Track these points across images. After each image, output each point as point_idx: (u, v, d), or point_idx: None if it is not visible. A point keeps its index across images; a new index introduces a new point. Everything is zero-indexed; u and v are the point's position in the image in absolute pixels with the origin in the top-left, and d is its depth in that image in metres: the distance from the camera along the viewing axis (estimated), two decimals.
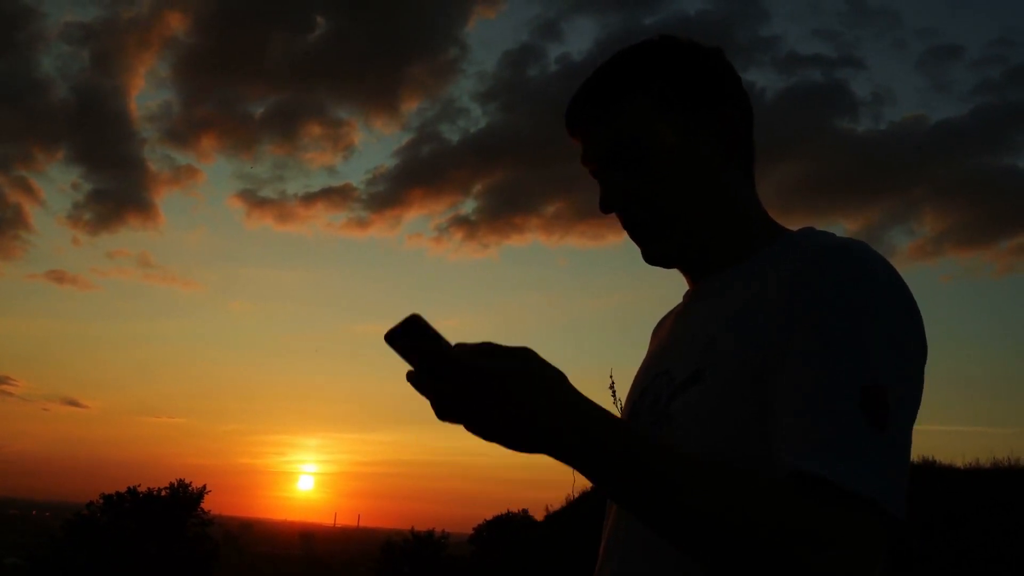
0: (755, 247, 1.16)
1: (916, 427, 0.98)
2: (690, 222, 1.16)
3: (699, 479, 0.90)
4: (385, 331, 0.87)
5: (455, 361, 0.88)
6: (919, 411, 0.99)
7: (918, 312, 1.01)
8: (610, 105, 1.17)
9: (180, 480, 35.38)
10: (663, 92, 1.16)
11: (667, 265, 1.21)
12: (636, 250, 1.23)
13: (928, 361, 1.01)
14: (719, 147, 1.16)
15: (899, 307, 0.99)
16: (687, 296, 1.27)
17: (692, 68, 1.18)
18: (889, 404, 0.92)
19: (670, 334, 1.25)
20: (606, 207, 1.19)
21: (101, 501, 34.21)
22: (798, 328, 0.97)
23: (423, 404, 0.93)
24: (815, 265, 1.01)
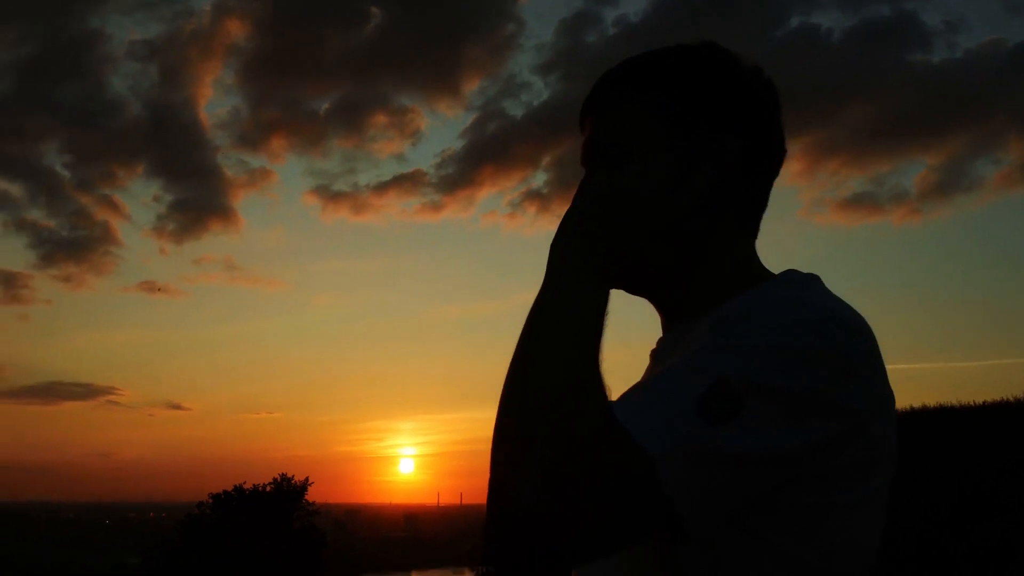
0: (728, 295, 1.02)
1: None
2: (653, 258, 1.03)
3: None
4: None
5: None
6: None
7: (852, 352, 0.87)
8: (613, 103, 1.07)
9: (283, 474, 36.40)
10: (670, 101, 1.04)
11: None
12: None
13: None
14: (710, 179, 1.00)
15: (827, 330, 0.86)
16: (660, 342, 1.17)
17: (710, 84, 1.04)
18: (737, 402, 0.81)
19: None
20: None
21: (210, 500, 35.38)
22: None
23: None
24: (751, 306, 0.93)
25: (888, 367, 0.93)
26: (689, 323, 1.02)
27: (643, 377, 1.07)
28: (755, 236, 1.08)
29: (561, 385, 0.82)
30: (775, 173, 1.08)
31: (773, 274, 1.05)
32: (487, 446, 0.86)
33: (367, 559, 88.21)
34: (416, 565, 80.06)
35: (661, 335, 1.13)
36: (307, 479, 36.78)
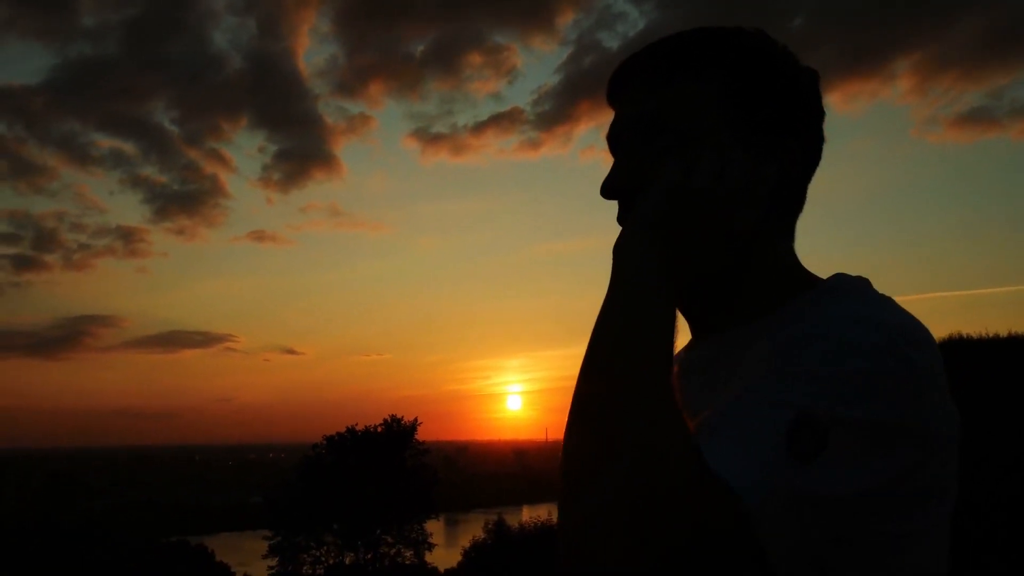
0: (775, 302, 0.95)
1: None
2: (712, 264, 0.92)
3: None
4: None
5: None
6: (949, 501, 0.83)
7: (925, 370, 0.81)
8: (667, 79, 0.96)
9: (393, 415, 37.14)
10: (734, 91, 0.95)
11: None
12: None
13: None
14: (772, 182, 0.93)
15: (900, 352, 0.80)
16: (689, 352, 1.05)
17: (778, 80, 0.96)
18: (823, 436, 0.77)
19: (691, 397, 0.98)
20: (607, 190, 0.98)
21: (324, 442, 36.40)
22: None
23: None
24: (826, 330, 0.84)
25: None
26: (734, 334, 0.96)
27: (682, 392, 0.97)
28: (793, 238, 1.01)
29: (645, 428, 0.76)
30: (815, 169, 1.01)
31: (819, 278, 0.98)
32: None
33: (478, 495, 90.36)
34: (527, 500, 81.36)
35: (689, 343, 1.06)
36: (416, 419, 37.43)
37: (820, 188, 1.04)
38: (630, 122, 0.98)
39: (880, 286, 0.95)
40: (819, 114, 0.99)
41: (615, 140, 1.00)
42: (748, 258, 0.95)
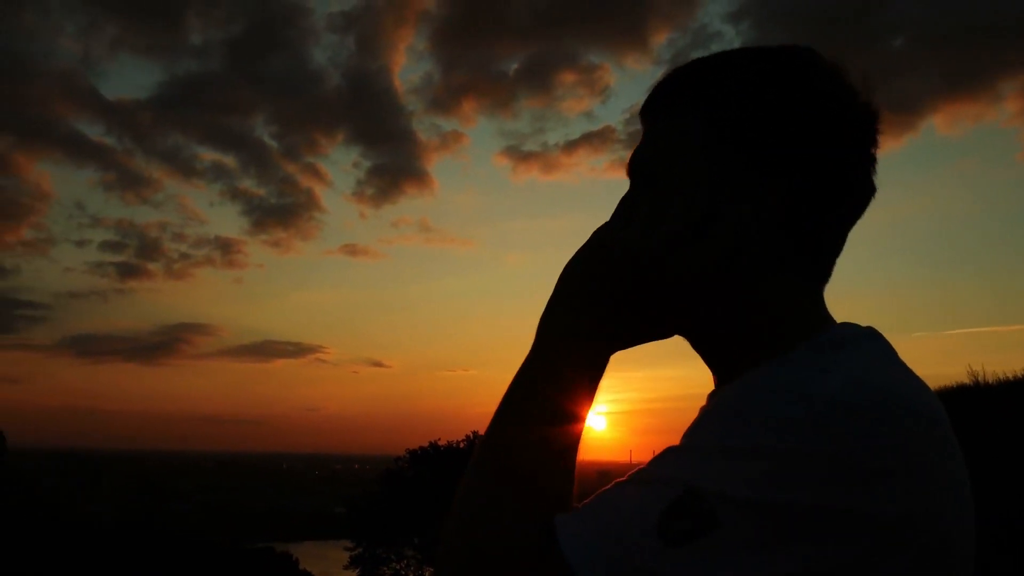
0: (770, 355, 0.82)
1: None
2: (683, 315, 0.88)
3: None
4: None
5: None
6: None
7: (877, 451, 0.68)
8: (662, 112, 0.91)
9: (475, 432, 37.12)
10: (715, 122, 0.85)
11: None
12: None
13: None
14: (749, 227, 0.82)
15: (836, 431, 0.68)
16: (709, 398, 0.95)
17: (774, 105, 0.84)
18: (708, 519, 0.67)
19: None
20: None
21: (407, 455, 36.69)
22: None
23: None
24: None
25: None
26: (721, 389, 0.88)
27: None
28: (821, 282, 0.89)
29: (508, 493, 0.77)
30: (857, 215, 0.89)
31: (827, 329, 0.84)
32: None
33: None
34: None
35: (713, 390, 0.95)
36: None
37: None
38: (630, 158, 0.94)
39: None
40: (853, 148, 0.86)
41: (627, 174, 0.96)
42: (745, 306, 0.84)
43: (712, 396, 0.90)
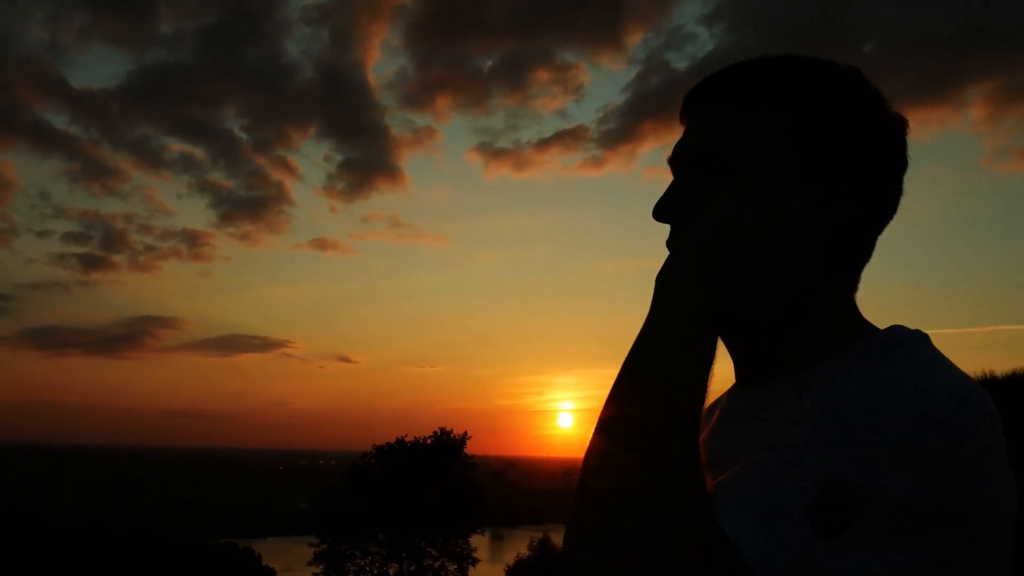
0: (828, 352, 0.88)
1: None
2: (760, 308, 0.87)
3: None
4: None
5: None
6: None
7: (980, 443, 0.74)
8: (736, 105, 0.91)
9: (443, 428, 37.12)
10: (802, 128, 0.88)
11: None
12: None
13: None
14: (831, 228, 0.87)
15: (951, 425, 0.73)
16: (732, 395, 1.00)
17: (853, 124, 0.89)
18: (851, 511, 0.70)
19: (729, 444, 0.94)
20: (658, 212, 0.95)
21: (374, 451, 36.57)
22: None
23: None
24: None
25: None
26: (779, 385, 0.90)
27: (722, 438, 0.96)
28: (856, 286, 0.95)
29: (663, 480, 0.72)
30: (888, 222, 0.94)
31: (875, 329, 0.91)
32: None
33: (525, 512, 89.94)
34: None
35: (734, 387, 1.00)
36: (465, 433, 37.39)
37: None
38: (691, 146, 0.93)
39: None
40: (900, 165, 0.93)
41: (675, 162, 0.96)
42: (799, 305, 0.88)
43: (733, 394, 0.98)
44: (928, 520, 0.71)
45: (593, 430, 0.79)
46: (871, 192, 0.89)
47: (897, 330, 0.89)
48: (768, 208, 0.85)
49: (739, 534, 0.72)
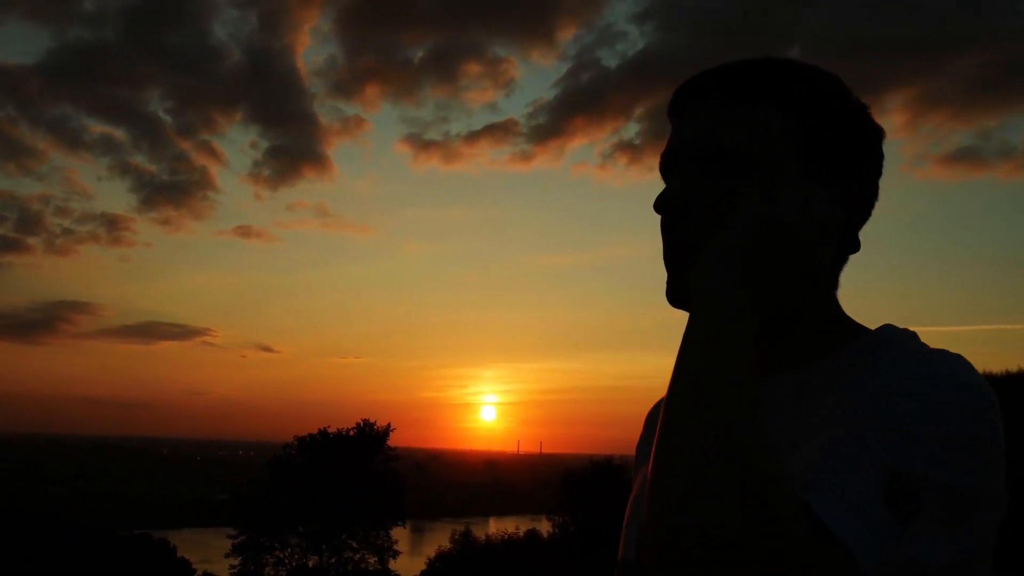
0: (833, 346, 0.93)
1: None
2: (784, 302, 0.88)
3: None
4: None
5: None
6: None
7: (1000, 432, 0.81)
8: (741, 100, 0.92)
9: (366, 420, 36.96)
10: (811, 127, 0.92)
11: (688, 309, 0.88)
12: None
13: None
14: (841, 225, 0.91)
15: (987, 417, 0.79)
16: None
17: (852, 127, 0.94)
18: (917, 500, 0.73)
19: None
20: (663, 204, 0.94)
21: (296, 443, 36.19)
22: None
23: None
24: (904, 371, 0.82)
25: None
26: (792, 378, 0.93)
27: None
28: (838, 287, 0.99)
29: (751, 478, 0.69)
30: (862, 226, 0.98)
31: (867, 328, 0.96)
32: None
33: (447, 504, 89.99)
34: (495, 512, 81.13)
35: None
36: (388, 424, 37.27)
37: None
38: (693, 140, 0.94)
39: (859, 319, 0.94)
40: (879, 170, 0.97)
41: (672, 155, 0.96)
42: (808, 300, 0.89)
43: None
44: (973, 508, 0.76)
45: (659, 433, 0.74)
46: (866, 192, 0.95)
47: (891, 329, 0.93)
48: (798, 203, 0.87)
49: (830, 521, 0.71)
